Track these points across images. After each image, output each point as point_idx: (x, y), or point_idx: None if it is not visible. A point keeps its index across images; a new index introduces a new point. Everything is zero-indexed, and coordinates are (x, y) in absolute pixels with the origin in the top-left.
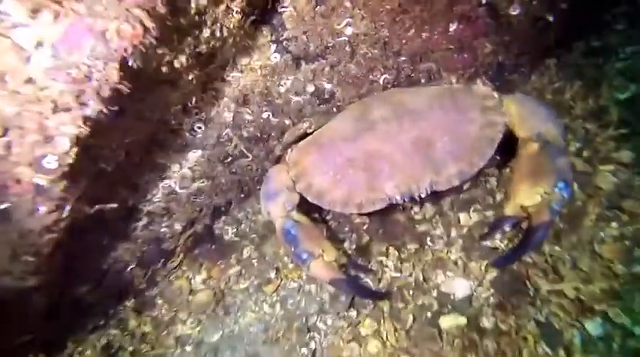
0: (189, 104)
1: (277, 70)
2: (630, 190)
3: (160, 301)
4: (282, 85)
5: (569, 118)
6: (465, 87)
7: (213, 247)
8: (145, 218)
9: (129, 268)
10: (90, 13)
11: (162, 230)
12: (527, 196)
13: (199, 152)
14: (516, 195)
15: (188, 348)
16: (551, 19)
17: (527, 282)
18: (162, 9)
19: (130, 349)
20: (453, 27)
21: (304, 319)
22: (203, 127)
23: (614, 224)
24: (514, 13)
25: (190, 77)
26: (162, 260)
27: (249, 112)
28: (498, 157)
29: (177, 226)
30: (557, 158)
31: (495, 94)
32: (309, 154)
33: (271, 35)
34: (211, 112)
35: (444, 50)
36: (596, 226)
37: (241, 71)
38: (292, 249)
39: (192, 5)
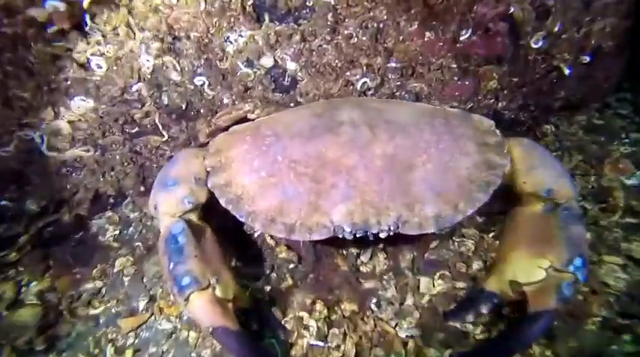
0: (85, 20)
1: (228, 14)
2: None
3: None
4: (230, 41)
5: None
6: (463, 113)
7: (77, 247)
8: None
9: None
10: None
11: (2, 203)
12: (526, 269)
13: (91, 103)
14: (507, 266)
15: None
16: (567, 72)
17: None
18: None
19: None
20: (465, 35)
21: None
22: (104, 67)
23: (626, 336)
24: (535, 46)
25: None
26: None
27: (177, 67)
28: (480, 218)
29: (31, 206)
30: (573, 225)
31: (498, 132)
32: (241, 142)
33: None
34: (122, 47)
35: (445, 68)
36: (603, 334)
37: None
38: (170, 265)
39: None
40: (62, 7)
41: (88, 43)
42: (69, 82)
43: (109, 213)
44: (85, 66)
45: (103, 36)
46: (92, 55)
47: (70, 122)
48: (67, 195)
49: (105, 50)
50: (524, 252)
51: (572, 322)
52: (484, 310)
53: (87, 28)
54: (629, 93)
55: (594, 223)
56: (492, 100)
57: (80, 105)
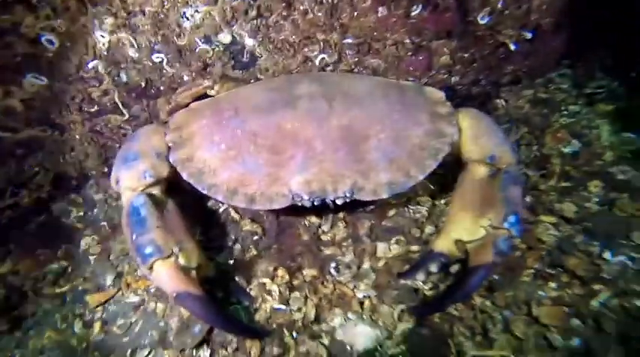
0: None
1: None
2: (571, 248)
3: None
4: (186, 17)
5: None
6: (416, 86)
7: (40, 230)
8: None
9: None
10: None
11: None
12: (468, 228)
13: (44, 80)
14: (453, 227)
15: None
16: (512, 47)
17: (450, 342)
18: None
19: None
20: (416, 11)
21: (128, 353)
22: (56, 43)
23: (552, 284)
24: (481, 22)
25: None
26: None
27: (135, 44)
28: (432, 186)
29: None
30: (510, 187)
31: (449, 103)
32: (201, 117)
33: None
34: (74, 22)
35: (399, 44)
36: (534, 283)
37: None
38: (133, 236)
39: None
40: None
41: (37, 18)
42: (19, 59)
43: (72, 195)
44: (35, 42)
45: (53, 9)
46: (42, 30)
47: (22, 101)
48: (25, 177)
49: (56, 25)
50: (468, 213)
51: (509, 275)
52: (433, 268)
53: (34, 1)
54: (569, 69)
55: (535, 188)
56: (446, 75)
57: (33, 82)
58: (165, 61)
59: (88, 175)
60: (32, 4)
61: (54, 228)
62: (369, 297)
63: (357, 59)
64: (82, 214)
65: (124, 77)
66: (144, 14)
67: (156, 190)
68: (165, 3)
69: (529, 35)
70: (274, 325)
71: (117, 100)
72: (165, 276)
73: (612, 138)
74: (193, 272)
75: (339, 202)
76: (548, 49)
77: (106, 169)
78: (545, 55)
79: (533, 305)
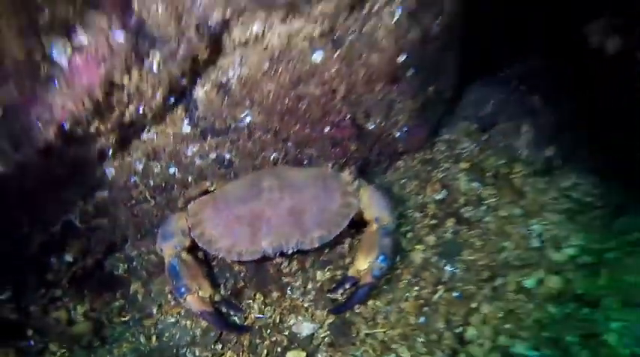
0: (106, 154)
1: (186, 139)
2: (428, 265)
3: (30, 332)
4: (189, 150)
5: (405, 207)
6: (335, 173)
7: (101, 280)
8: (36, 248)
9: None
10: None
11: (50, 260)
12: (361, 263)
13: (106, 193)
14: (356, 260)
15: None
16: (397, 135)
17: (353, 327)
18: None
19: None
20: (327, 129)
21: (175, 350)
22: (114, 172)
23: (415, 288)
24: (370, 128)
25: (112, 138)
26: (43, 291)
27: (158, 165)
28: (353, 231)
29: (68, 258)
30: (384, 238)
31: (355, 183)
32: (206, 208)
33: (185, 112)
34: (125, 161)
35: (322, 144)
36: (405, 288)
37: (156, 134)
38: (173, 282)
39: (125, 93)
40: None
41: (105, 161)
42: (94, 184)
43: (117, 254)
44: (104, 175)
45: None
46: (107, 168)
47: (94, 205)
48: (90, 247)
49: (112, 164)
50: (363, 253)
51: (392, 284)
52: (347, 286)
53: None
54: (447, 134)
55: (415, 227)
56: (358, 154)
57: (99, 195)
58: (176, 171)
59: (126, 240)
60: (103, 157)
61: (110, 278)
62: (311, 305)
63: (298, 151)
64: (126, 267)
65: (151, 182)
66: (164, 151)
67: (183, 253)
68: (177, 146)
69: (405, 129)
70: (256, 327)
71: (147, 196)
72: (193, 303)
73: (466, 187)
74: (208, 299)
75: (289, 252)
76: (422, 133)
77: (139, 236)
78: (419, 138)
79: (402, 301)
